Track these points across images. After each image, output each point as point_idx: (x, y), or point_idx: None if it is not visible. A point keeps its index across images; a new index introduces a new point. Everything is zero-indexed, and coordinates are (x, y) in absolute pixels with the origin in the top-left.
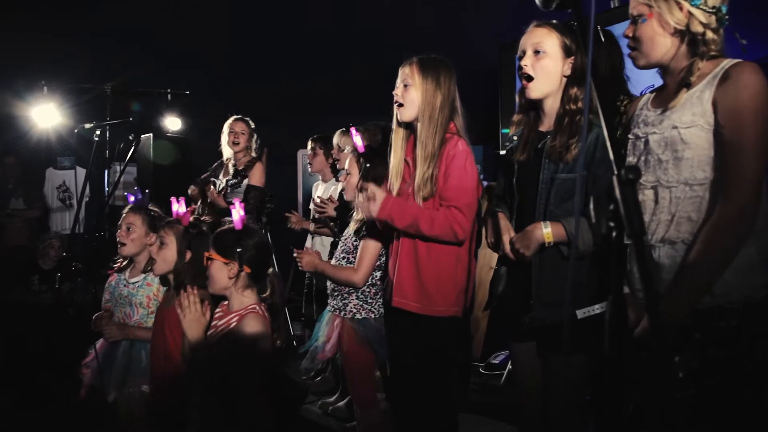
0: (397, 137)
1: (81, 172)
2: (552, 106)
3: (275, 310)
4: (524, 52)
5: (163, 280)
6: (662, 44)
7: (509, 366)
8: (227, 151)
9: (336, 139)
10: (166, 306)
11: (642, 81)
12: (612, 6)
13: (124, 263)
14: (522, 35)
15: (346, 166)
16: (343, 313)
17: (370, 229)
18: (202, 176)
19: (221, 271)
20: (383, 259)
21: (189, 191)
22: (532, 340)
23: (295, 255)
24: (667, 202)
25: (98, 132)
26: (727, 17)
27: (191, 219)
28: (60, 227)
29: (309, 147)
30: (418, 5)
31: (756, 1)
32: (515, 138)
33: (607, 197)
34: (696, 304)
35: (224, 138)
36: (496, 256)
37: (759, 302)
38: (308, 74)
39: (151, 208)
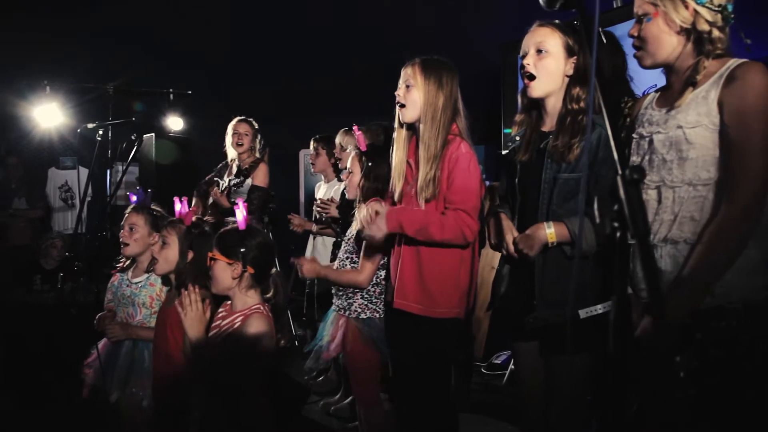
0: (399, 138)
1: (83, 171)
2: (554, 105)
3: (278, 311)
4: (527, 52)
5: (165, 280)
6: (668, 43)
7: (511, 366)
8: (231, 152)
9: (338, 138)
10: (168, 306)
11: (644, 81)
12: (614, 6)
13: (127, 263)
14: (525, 35)
15: (349, 165)
16: (347, 312)
17: None
18: (207, 177)
19: (225, 272)
20: (387, 258)
21: (194, 199)
22: (535, 340)
23: (293, 261)
24: (671, 201)
25: (101, 132)
26: (732, 16)
27: (194, 219)
28: (62, 227)
29: (312, 147)
30: (418, 5)
31: (758, 0)
32: (517, 138)
33: (612, 197)
34: (697, 305)
35: (228, 139)
36: (498, 256)
37: (760, 303)
38: (308, 74)
39: (153, 207)
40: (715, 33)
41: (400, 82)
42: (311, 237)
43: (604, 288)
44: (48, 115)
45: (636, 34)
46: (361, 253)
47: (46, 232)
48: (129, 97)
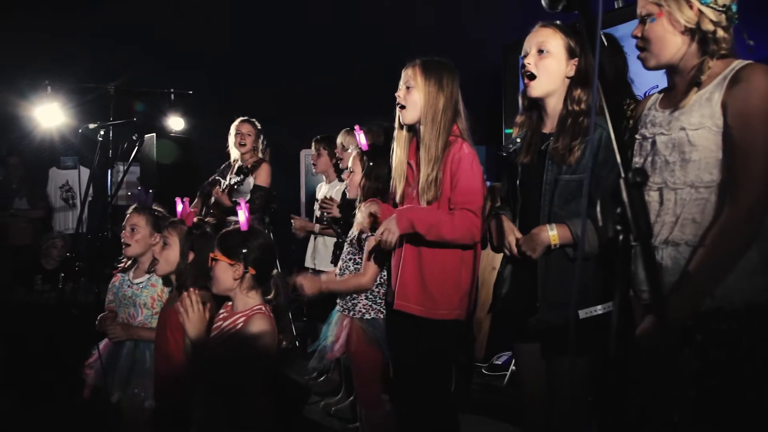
0: (400, 139)
1: (84, 171)
2: (555, 107)
3: (279, 312)
4: (528, 51)
5: (166, 280)
6: (673, 43)
7: (512, 367)
8: (234, 153)
9: (340, 138)
10: (170, 307)
11: (646, 83)
12: (616, 7)
13: (128, 264)
14: (526, 35)
15: (350, 165)
16: (352, 313)
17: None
18: (210, 179)
19: (226, 272)
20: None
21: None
22: (537, 341)
23: (292, 282)
24: (672, 203)
25: (102, 132)
26: (736, 16)
27: (195, 219)
28: (63, 227)
29: (313, 147)
30: (418, 5)
31: (760, 1)
32: (518, 140)
33: (614, 200)
34: (698, 306)
35: (231, 139)
36: (499, 257)
37: (761, 305)
38: (308, 74)
39: (155, 208)
40: (720, 33)
41: (401, 83)
42: (312, 237)
43: (606, 289)
44: (49, 115)
45: (640, 34)
46: (364, 255)
47: (47, 232)
48: (130, 97)
